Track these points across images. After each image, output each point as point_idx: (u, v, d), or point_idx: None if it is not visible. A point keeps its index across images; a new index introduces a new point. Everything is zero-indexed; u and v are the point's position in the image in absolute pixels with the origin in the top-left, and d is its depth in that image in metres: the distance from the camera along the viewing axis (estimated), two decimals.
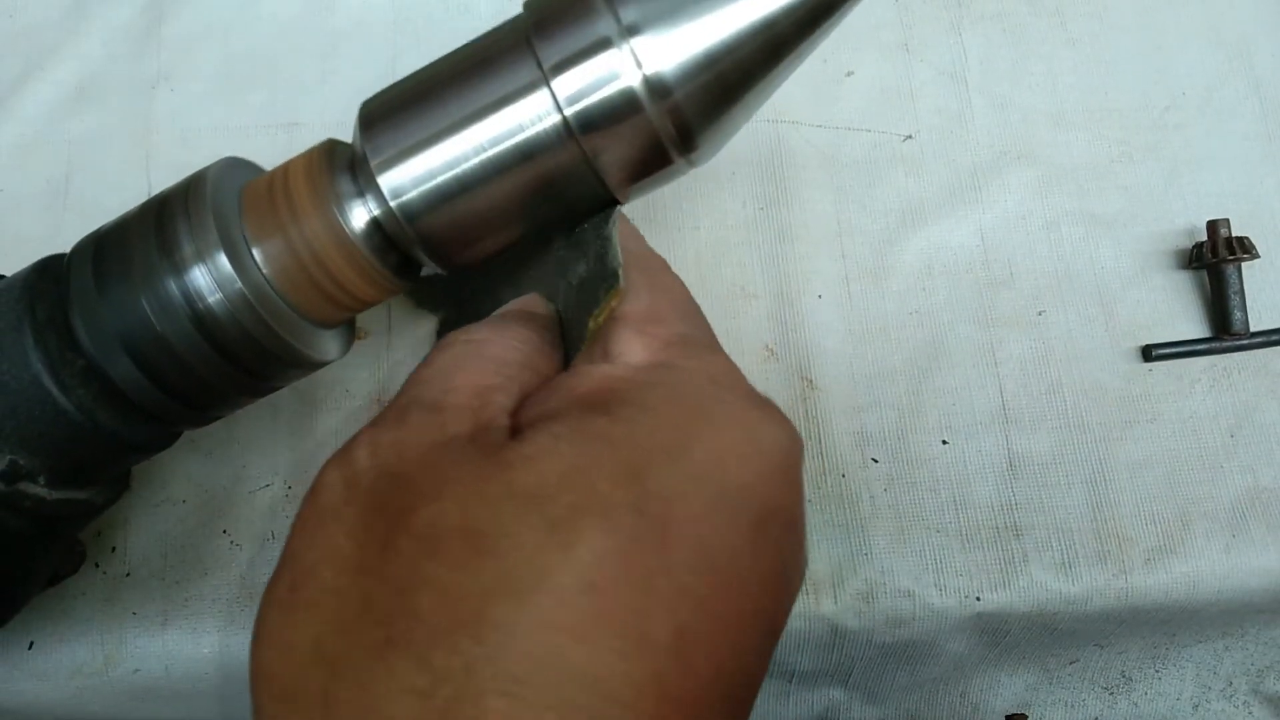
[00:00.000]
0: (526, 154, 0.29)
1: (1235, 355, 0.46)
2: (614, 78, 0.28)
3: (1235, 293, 0.45)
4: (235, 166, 0.33)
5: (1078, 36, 0.51)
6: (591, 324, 0.30)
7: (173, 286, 0.29)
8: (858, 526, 0.43)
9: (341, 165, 0.31)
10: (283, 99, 0.50)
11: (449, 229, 0.30)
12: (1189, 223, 0.48)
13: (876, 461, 0.44)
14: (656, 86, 0.28)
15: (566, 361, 0.32)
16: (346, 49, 0.51)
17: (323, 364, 0.32)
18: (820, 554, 0.43)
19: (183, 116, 0.50)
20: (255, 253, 0.30)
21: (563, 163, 0.29)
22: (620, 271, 0.30)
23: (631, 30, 0.27)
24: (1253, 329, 0.46)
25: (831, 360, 0.46)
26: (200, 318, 0.29)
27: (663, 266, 0.32)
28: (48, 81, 0.50)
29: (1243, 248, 0.45)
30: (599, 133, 0.28)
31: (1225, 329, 0.46)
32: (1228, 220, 0.46)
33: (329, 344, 0.33)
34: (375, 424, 0.27)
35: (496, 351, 0.29)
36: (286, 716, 0.24)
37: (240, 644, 0.41)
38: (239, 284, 0.29)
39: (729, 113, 0.29)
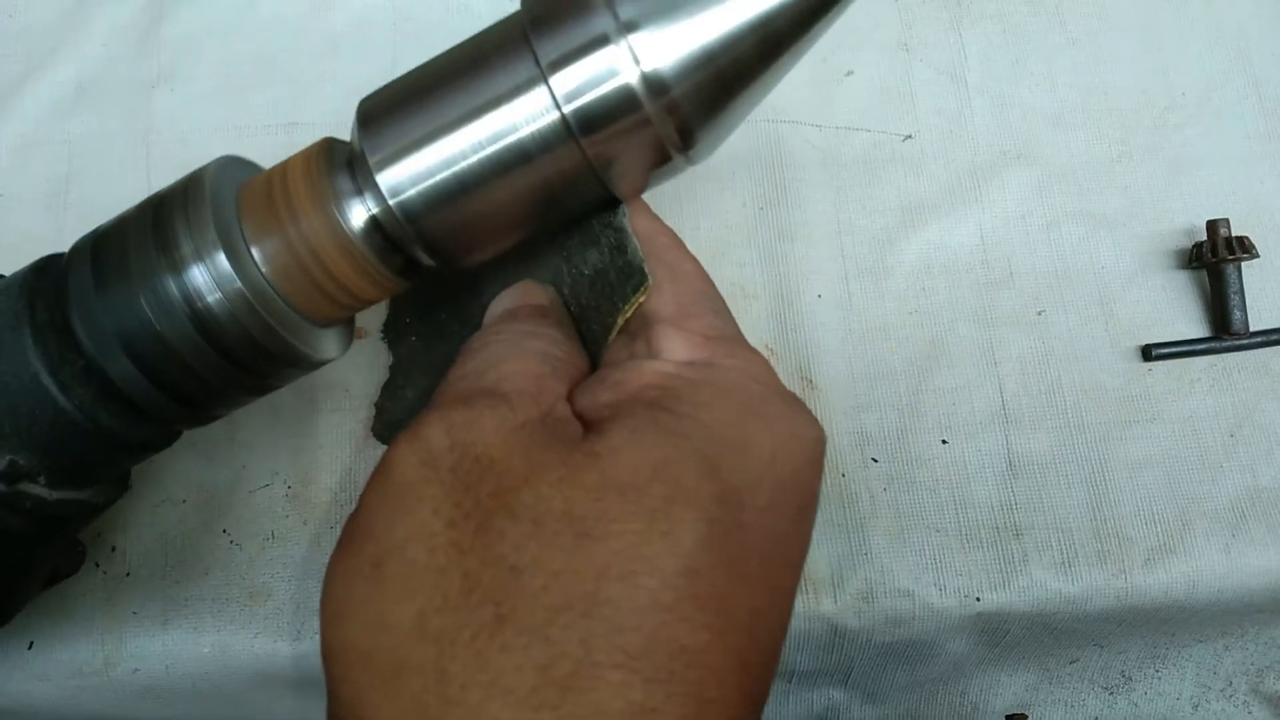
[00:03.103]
0: (525, 152, 0.29)
1: (1235, 355, 0.46)
2: (612, 74, 0.28)
3: (1235, 292, 0.45)
4: (233, 165, 0.33)
5: (1077, 36, 0.51)
6: (620, 319, 0.30)
7: (171, 285, 0.29)
8: (857, 526, 0.43)
9: (340, 163, 0.31)
10: (283, 99, 0.50)
11: (450, 228, 0.30)
12: (1189, 222, 0.48)
13: (876, 461, 0.44)
14: (654, 83, 0.27)
15: (593, 360, 0.33)
16: (346, 49, 0.51)
17: (322, 363, 0.32)
18: (820, 554, 0.43)
19: (183, 117, 0.50)
20: (254, 251, 0.30)
21: (562, 160, 0.29)
22: (645, 267, 0.30)
23: (629, 26, 0.27)
24: (1252, 329, 0.46)
25: (831, 360, 0.46)
26: (199, 316, 0.29)
27: (675, 245, 0.33)
28: (48, 81, 0.50)
29: (1242, 247, 0.45)
30: (597, 130, 0.28)
31: (1225, 329, 0.46)
32: (1227, 220, 0.46)
33: (328, 342, 0.33)
34: (440, 407, 0.28)
35: (539, 345, 0.31)
36: (394, 692, 0.24)
37: (240, 643, 0.41)
38: (238, 282, 0.29)
39: (727, 110, 0.29)
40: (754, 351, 0.31)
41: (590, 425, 0.28)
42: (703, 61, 0.28)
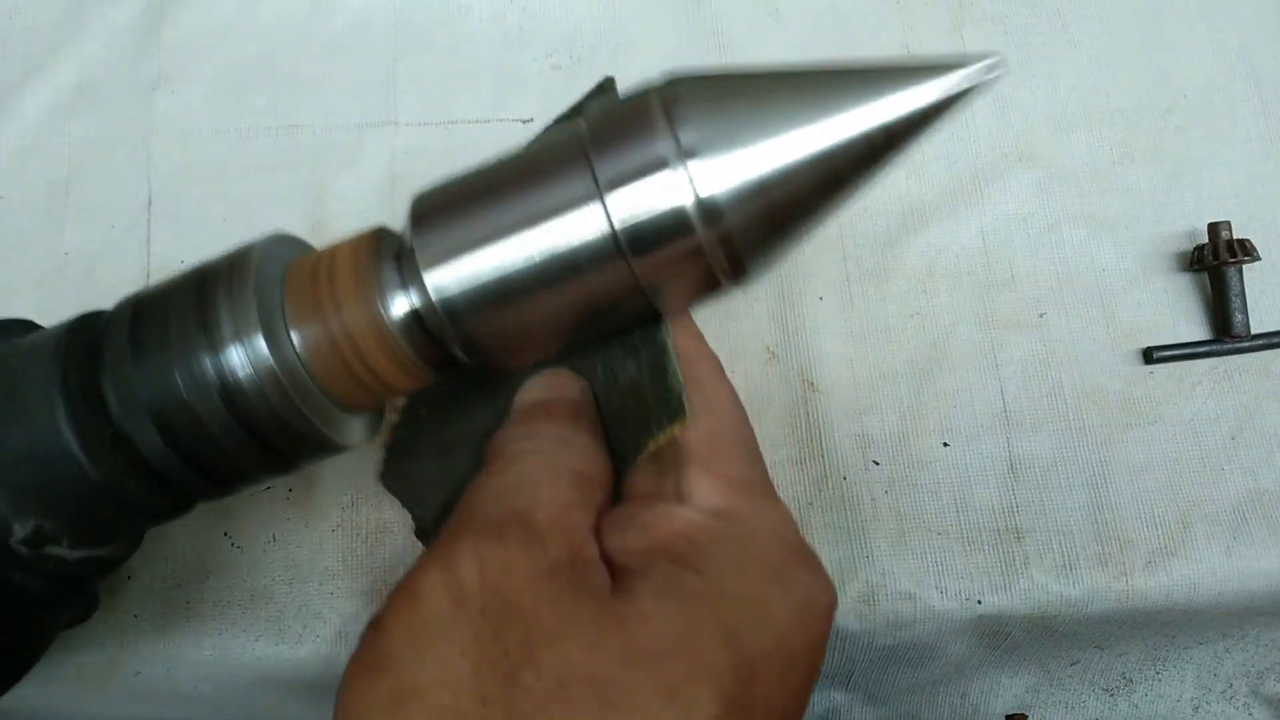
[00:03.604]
0: (575, 266, 0.29)
1: (1236, 358, 0.46)
2: (668, 200, 0.27)
3: (1236, 295, 0.45)
4: (282, 242, 0.33)
5: (1079, 38, 0.51)
6: (652, 446, 0.30)
7: (207, 363, 0.29)
8: (859, 529, 0.43)
9: (388, 254, 0.31)
10: (283, 101, 0.50)
11: (492, 333, 0.30)
12: (1190, 225, 0.48)
13: (878, 464, 0.44)
14: (709, 211, 0.27)
15: (616, 471, 0.33)
16: (347, 51, 0.51)
17: (345, 449, 0.32)
18: (821, 556, 0.42)
19: (183, 118, 0.50)
20: (293, 335, 0.30)
21: (610, 278, 0.29)
22: (685, 399, 0.30)
23: (690, 153, 0.27)
24: (1254, 331, 0.46)
25: (833, 362, 0.46)
26: (230, 394, 0.29)
27: (715, 374, 0.33)
28: (48, 83, 0.50)
29: (1244, 250, 0.45)
30: (649, 252, 0.28)
31: (1226, 331, 0.46)
32: (1229, 222, 0.46)
33: (354, 429, 0.33)
34: (473, 534, 0.28)
35: (572, 464, 0.31)
36: None
37: (241, 646, 0.41)
38: (272, 364, 0.29)
39: (781, 242, 0.29)
40: (778, 502, 0.31)
41: (616, 571, 0.28)
42: (760, 193, 0.27)
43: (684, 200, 0.27)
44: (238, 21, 0.51)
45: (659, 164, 0.27)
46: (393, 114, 0.50)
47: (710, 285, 0.30)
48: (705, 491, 0.30)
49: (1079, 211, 0.48)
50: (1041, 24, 0.52)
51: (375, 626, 0.28)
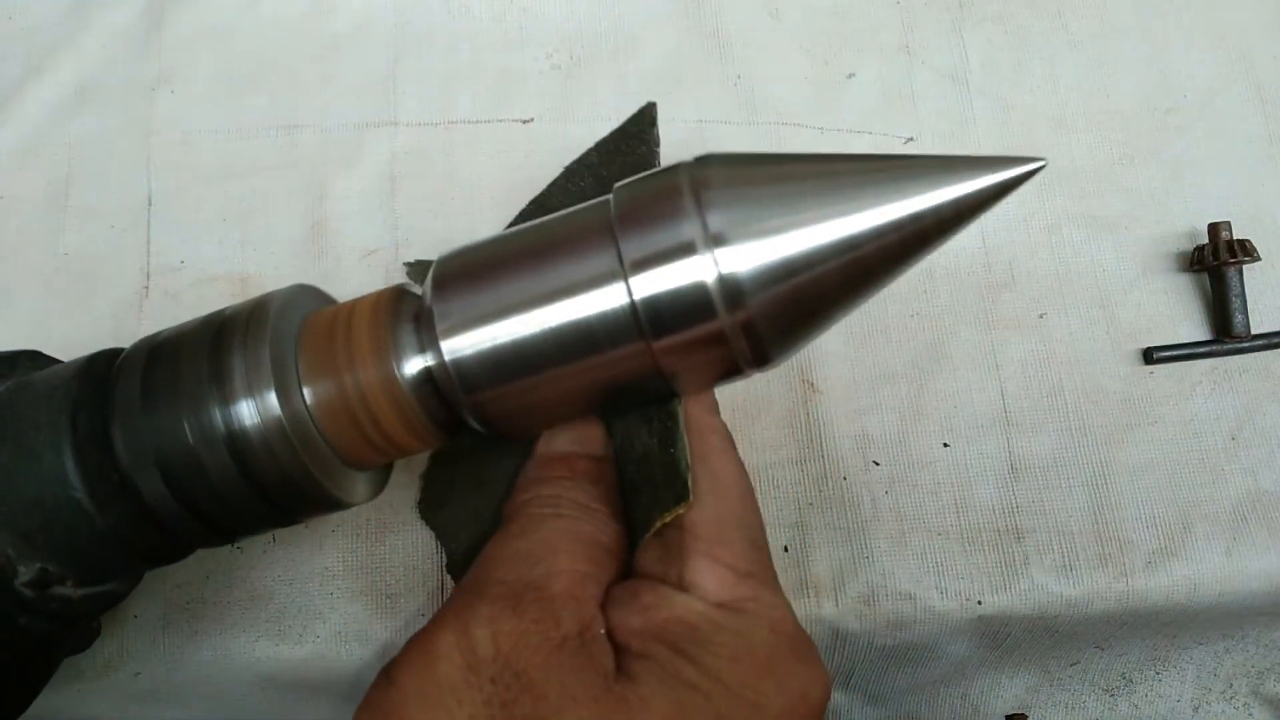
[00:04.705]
0: (594, 345, 0.29)
1: (1236, 358, 0.46)
2: (693, 284, 0.27)
3: (1236, 295, 0.45)
4: (303, 293, 0.33)
5: (1079, 39, 0.51)
6: (657, 523, 0.30)
7: (217, 416, 0.29)
8: (859, 529, 0.43)
9: (407, 315, 0.31)
10: (283, 101, 0.50)
11: (504, 402, 0.30)
12: (1190, 225, 0.48)
13: (878, 464, 0.44)
14: (734, 297, 0.27)
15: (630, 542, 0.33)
16: (347, 51, 0.51)
17: (348, 506, 0.32)
18: (822, 557, 0.43)
19: (183, 119, 0.49)
20: (305, 390, 0.30)
21: (629, 359, 0.29)
22: (689, 481, 0.30)
23: (717, 240, 0.27)
24: (1254, 332, 0.46)
25: (833, 363, 0.46)
26: (237, 445, 0.29)
27: (724, 449, 0.33)
28: (48, 84, 0.50)
29: (1244, 250, 0.45)
30: (670, 335, 0.28)
31: (1226, 332, 0.46)
32: (1229, 223, 0.46)
33: (358, 487, 0.33)
34: (490, 601, 0.29)
35: (589, 533, 0.31)
36: None
37: (241, 646, 0.41)
38: (282, 418, 0.29)
39: (804, 332, 0.29)
40: (778, 593, 0.31)
41: (620, 649, 0.29)
42: (785, 280, 0.27)
43: (709, 285, 0.27)
44: (238, 21, 0.51)
45: (686, 248, 0.27)
46: (393, 114, 0.50)
47: (730, 371, 0.30)
48: (709, 582, 0.30)
49: (1079, 212, 0.48)
50: (1042, 24, 0.52)
51: (387, 680, 0.28)
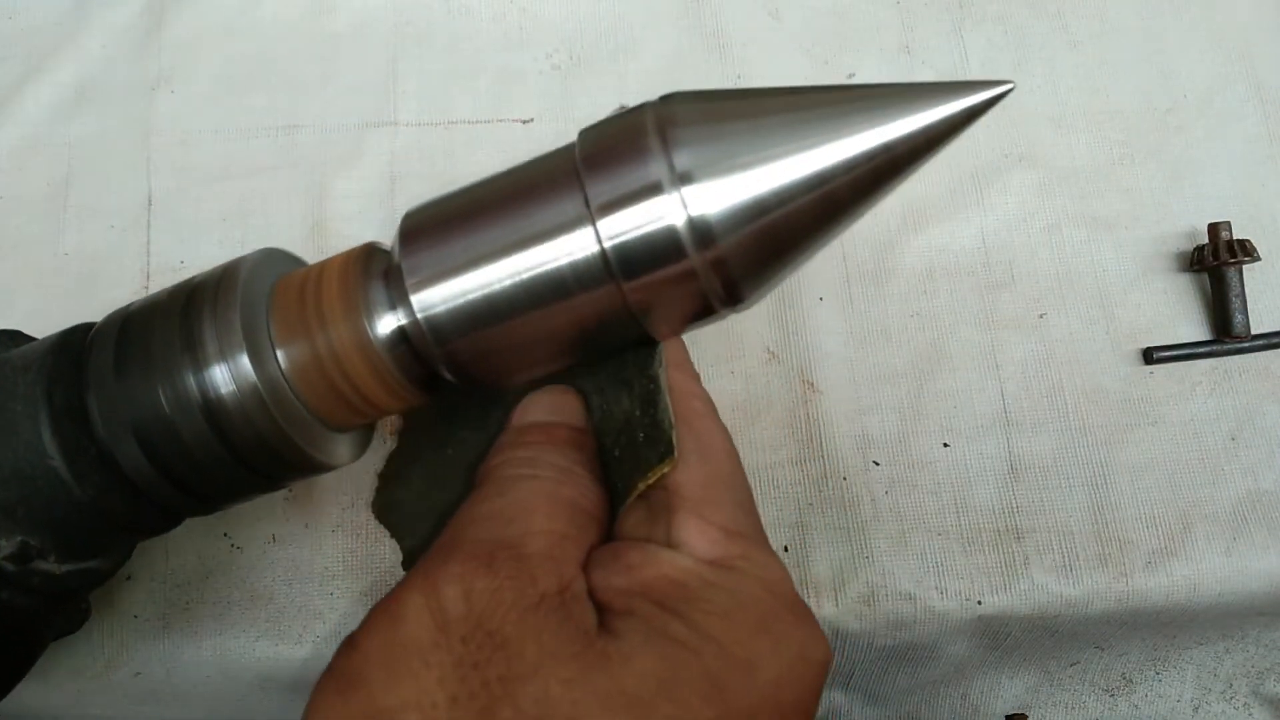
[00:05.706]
0: (563, 289, 0.28)
1: (1236, 358, 0.46)
2: (661, 223, 0.27)
3: (1236, 295, 0.45)
4: (272, 257, 0.33)
5: (1079, 39, 0.51)
6: (641, 486, 0.30)
7: (190, 381, 0.29)
8: (859, 529, 0.43)
9: (376, 273, 0.31)
10: (283, 101, 0.50)
11: (478, 354, 0.30)
12: (1190, 225, 0.48)
13: (878, 464, 0.44)
14: (702, 235, 0.27)
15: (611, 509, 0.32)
16: (347, 51, 0.51)
17: (330, 468, 0.32)
18: (822, 557, 0.43)
19: (183, 119, 0.49)
20: (278, 352, 0.30)
21: (600, 301, 0.28)
22: (673, 438, 0.29)
23: (684, 178, 0.26)
24: (1254, 332, 0.46)
25: (833, 363, 0.46)
26: (213, 412, 0.29)
27: (707, 413, 0.32)
28: (48, 84, 0.50)
29: (1244, 250, 0.45)
30: (640, 275, 0.27)
31: (1226, 332, 0.46)
32: (1229, 223, 0.46)
33: (338, 448, 0.33)
34: (461, 559, 0.27)
35: (570, 495, 0.30)
36: None
37: (240, 646, 0.41)
38: (256, 382, 0.29)
39: (775, 268, 0.28)
40: (771, 554, 0.30)
41: (603, 609, 0.28)
42: (755, 217, 0.27)
43: (677, 225, 0.27)
44: (238, 22, 0.51)
45: (653, 189, 0.27)
46: (393, 114, 0.50)
47: (704, 310, 0.29)
48: (697, 539, 0.29)
49: (1079, 212, 0.48)
50: (1041, 24, 0.52)
51: (350, 645, 0.27)
